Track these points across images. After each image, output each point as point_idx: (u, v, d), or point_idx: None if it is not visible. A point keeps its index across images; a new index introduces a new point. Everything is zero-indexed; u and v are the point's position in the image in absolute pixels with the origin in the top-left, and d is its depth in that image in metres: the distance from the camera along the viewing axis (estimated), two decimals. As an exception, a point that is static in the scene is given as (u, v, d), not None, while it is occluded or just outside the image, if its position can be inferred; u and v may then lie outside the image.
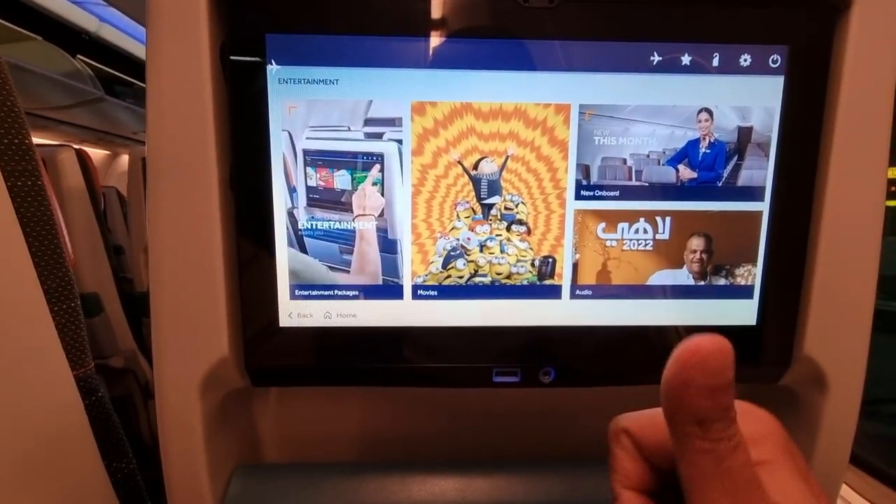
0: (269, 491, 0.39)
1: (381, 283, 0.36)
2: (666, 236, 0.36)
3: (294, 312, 0.36)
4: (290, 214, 0.35)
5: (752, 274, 0.37)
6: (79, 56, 2.84)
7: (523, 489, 0.40)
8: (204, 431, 0.36)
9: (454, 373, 0.37)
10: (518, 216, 0.35)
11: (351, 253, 0.35)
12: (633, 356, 0.37)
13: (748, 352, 0.37)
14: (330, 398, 0.44)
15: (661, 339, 0.37)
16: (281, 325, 0.35)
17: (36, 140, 0.46)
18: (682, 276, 0.37)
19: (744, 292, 0.37)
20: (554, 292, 0.36)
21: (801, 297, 0.37)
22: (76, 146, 1.47)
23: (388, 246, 0.35)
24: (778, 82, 0.34)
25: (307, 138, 0.34)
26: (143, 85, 0.33)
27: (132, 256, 1.62)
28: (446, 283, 0.36)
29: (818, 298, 0.36)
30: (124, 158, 4.75)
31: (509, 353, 0.37)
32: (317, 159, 0.34)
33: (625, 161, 0.35)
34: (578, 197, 0.35)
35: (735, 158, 0.35)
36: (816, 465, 0.39)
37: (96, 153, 4.38)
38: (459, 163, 0.35)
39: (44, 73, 2.55)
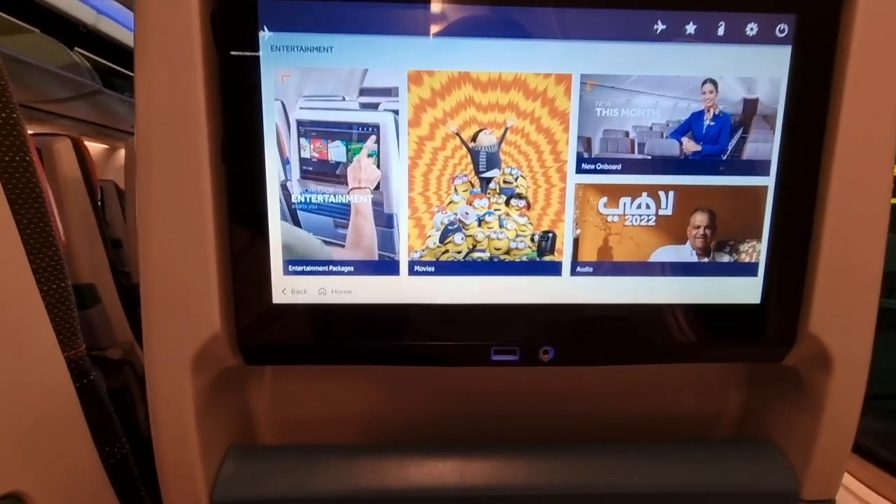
0: (263, 472, 0.38)
1: (376, 258, 0.35)
2: (669, 211, 0.35)
3: (288, 288, 0.35)
4: (284, 187, 0.34)
5: (757, 251, 0.36)
6: (76, 48, 2.82)
7: (522, 471, 0.39)
8: (196, 411, 0.36)
9: (452, 351, 0.36)
10: (517, 190, 0.35)
11: (346, 227, 0.34)
12: (635, 335, 0.36)
13: (752, 330, 0.36)
14: (325, 379, 0.44)
15: (663, 318, 0.36)
16: (274, 301, 0.35)
17: (32, 132, 0.45)
18: (686, 253, 0.36)
19: (748, 269, 0.36)
20: (554, 269, 0.35)
21: (806, 275, 0.36)
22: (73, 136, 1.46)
23: (384, 220, 0.34)
24: (785, 52, 0.33)
25: (301, 108, 0.33)
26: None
27: (130, 249, 1.61)
28: (443, 258, 0.35)
29: (824, 276, 0.35)
30: (123, 153, 4.73)
31: (508, 332, 0.36)
32: (311, 130, 0.33)
33: (627, 133, 0.34)
34: (579, 170, 0.34)
35: (740, 131, 0.35)
36: (821, 446, 0.39)
37: (95, 147, 4.36)
38: (457, 134, 0.34)
39: (41, 66, 2.54)
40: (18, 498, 0.40)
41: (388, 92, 0.33)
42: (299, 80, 0.33)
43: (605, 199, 0.35)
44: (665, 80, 0.34)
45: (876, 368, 0.38)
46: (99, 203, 1.62)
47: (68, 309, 0.46)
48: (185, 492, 0.37)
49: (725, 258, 0.36)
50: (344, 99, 0.33)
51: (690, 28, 0.33)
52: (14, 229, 0.42)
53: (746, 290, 0.36)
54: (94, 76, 2.98)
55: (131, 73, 0.32)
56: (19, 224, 0.42)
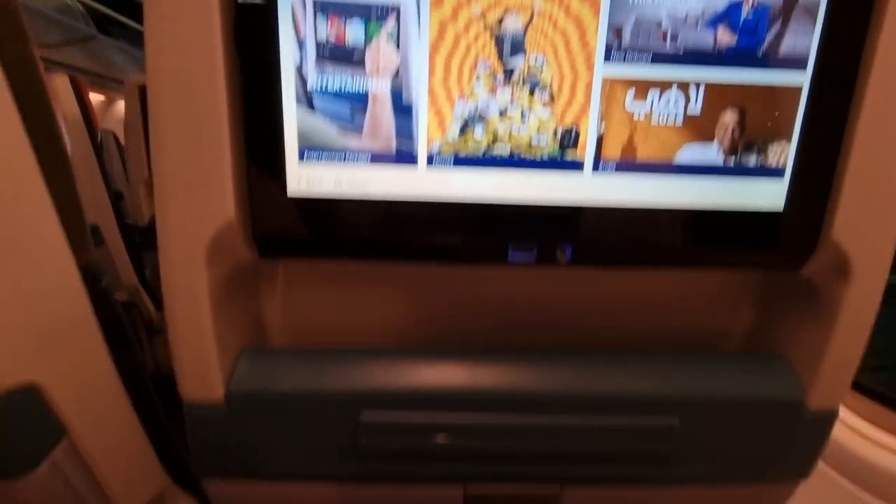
0: (278, 369, 0.39)
1: (394, 149, 0.34)
2: (697, 109, 0.34)
3: (303, 178, 0.34)
4: (299, 71, 0.32)
5: (785, 153, 0.35)
6: (69, -10, 2.71)
7: (531, 375, 0.39)
8: (211, 304, 0.36)
9: (468, 248, 0.35)
10: (542, 80, 0.33)
11: (363, 114, 0.33)
12: (654, 237, 0.36)
13: (773, 237, 0.36)
14: (337, 287, 0.44)
15: (684, 221, 0.36)
16: (289, 191, 0.34)
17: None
18: (712, 154, 0.35)
19: (774, 173, 0.35)
20: (576, 166, 0.34)
21: (833, 180, 0.35)
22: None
23: (402, 108, 0.33)
24: (833, -66, 0.31)
25: (318, -18, 0.31)
26: (138, 27, 0.30)
27: (132, 194, 1.59)
28: (463, 152, 0.34)
29: (852, 182, 0.35)
30: (121, 104, 4.63)
31: (525, 230, 0.35)
32: (328, 5, 0.32)
33: (660, 23, 0.33)
34: (608, 60, 0.33)
35: (779, 23, 0.33)
36: (831, 357, 0.39)
37: (91, 98, 4.25)
38: (482, 17, 0.32)
39: (34, 7, 2.44)
40: (35, 388, 0.41)
41: (411, -34, 0.31)
42: (316, -51, 0.31)
43: (632, 93, 0.33)
44: (704, -37, 0.32)
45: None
46: (99, 144, 1.59)
47: (77, 213, 0.46)
48: (201, 385, 0.38)
49: (752, 160, 0.35)
50: (363, -27, 0.31)
51: None
52: (20, 128, 0.40)
53: (771, 195, 0.35)
54: (88, 21, 2.88)
55: (128, 21, 0.30)
56: (25, 120, 0.41)
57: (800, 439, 0.42)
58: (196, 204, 0.33)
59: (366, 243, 0.35)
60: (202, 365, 0.37)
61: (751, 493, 0.46)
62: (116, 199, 1.84)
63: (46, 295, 0.43)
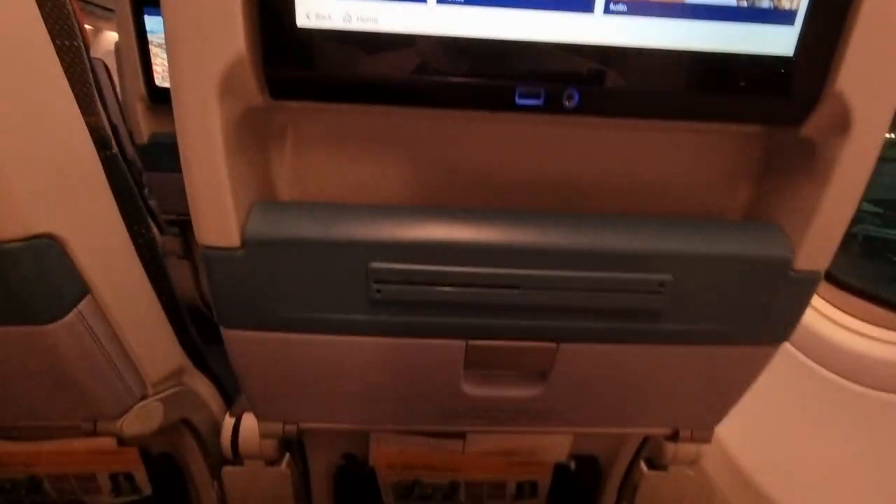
0: (292, 218, 0.40)
1: (404, -19, 0.33)
2: (714, -55, 0.33)
3: (311, 12, 0.34)
4: None
5: (799, -4, 0.34)
6: None
7: (534, 231, 0.41)
8: (225, 147, 0.36)
9: (476, 91, 0.36)
10: None
11: (373, -60, 0.32)
12: (661, 84, 0.36)
13: (780, 84, 0.36)
14: (346, 146, 0.44)
15: (692, 67, 0.36)
16: (298, 24, 0.34)
17: None
18: (725, -5, 0.34)
19: (786, 17, 0.35)
20: (587, 5, 0.34)
21: (843, 28, 0.35)
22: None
23: (413, -64, 0.32)
24: None
25: None
26: None
27: (129, 112, 1.57)
28: (474, -13, 0.34)
29: (861, 30, 0.34)
30: (108, 36, 4.43)
31: (533, 73, 0.36)
32: None
33: None
34: None
35: None
36: (821, 218, 0.41)
37: (77, 27, 4.05)
38: None
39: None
40: (54, 239, 0.43)
41: None
42: None
43: (649, -76, 0.33)
44: None
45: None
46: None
47: (85, 77, 0.46)
48: (217, 230, 0.39)
49: (765, 3, 0.35)
50: None
51: None
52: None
53: (781, 40, 0.35)
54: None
55: None
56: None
57: (785, 299, 0.44)
58: (206, 39, 0.33)
59: (375, 85, 0.36)
60: (218, 208, 0.38)
61: (732, 356, 0.49)
62: (113, 131, 1.81)
63: (59, 151, 0.44)
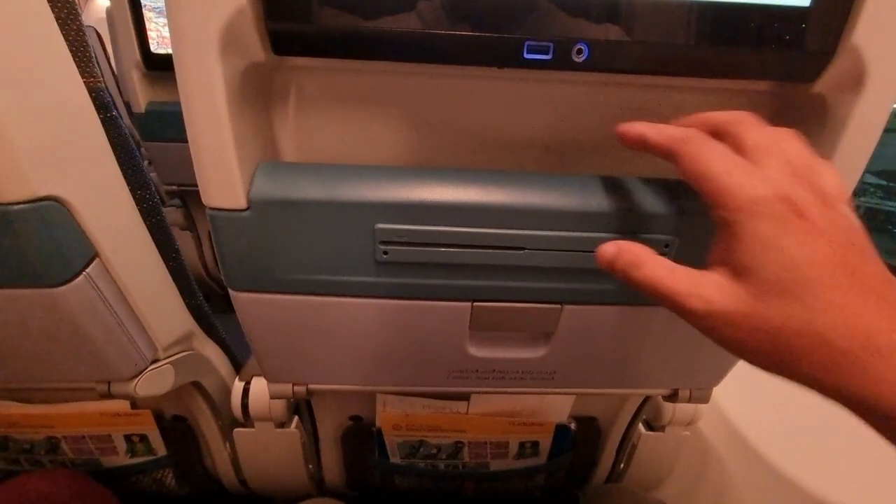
0: (297, 178, 0.40)
1: (409, -72, 0.32)
2: None
3: (314, -38, 0.33)
4: None
5: (819, -57, 0.33)
6: None
7: (539, 192, 0.41)
8: (228, 104, 0.36)
9: (485, 45, 0.35)
10: None
11: None
12: (672, 39, 0.35)
13: (795, 39, 0.35)
14: (349, 110, 0.44)
15: (706, 19, 0.35)
16: (300, -22, 0.33)
17: None
18: (742, -58, 0.33)
19: (804, -35, 0.34)
20: (598, -46, 0.33)
21: None
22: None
23: None
24: None
25: None
26: None
27: (124, 81, 1.53)
28: (481, -66, 0.32)
29: None
30: (98, 4, 4.28)
31: (542, 26, 0.35)
32: None
33: None
34: None
35: None
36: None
37: (66, -7, 3.92)
38: None
39: None
40: (60, 202, 0.43)
41: None
42: None
43: None
44: None
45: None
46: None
47: (80, 32, 0.45)
48: (223, 191, 0.39)
49: (783, -50, 0.33)
50: None
51: None
52: None
53: (798, -11, 0.34)
54: None
55: None
56: None
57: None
58: None
59: (381, 39, 0.35)
60: (223, 169, 0.38)
61: None
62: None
63: (60, 113, 0.44)
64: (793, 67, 0.37)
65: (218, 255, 0.43)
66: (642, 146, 0.35)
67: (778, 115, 0.45)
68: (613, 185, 0.42)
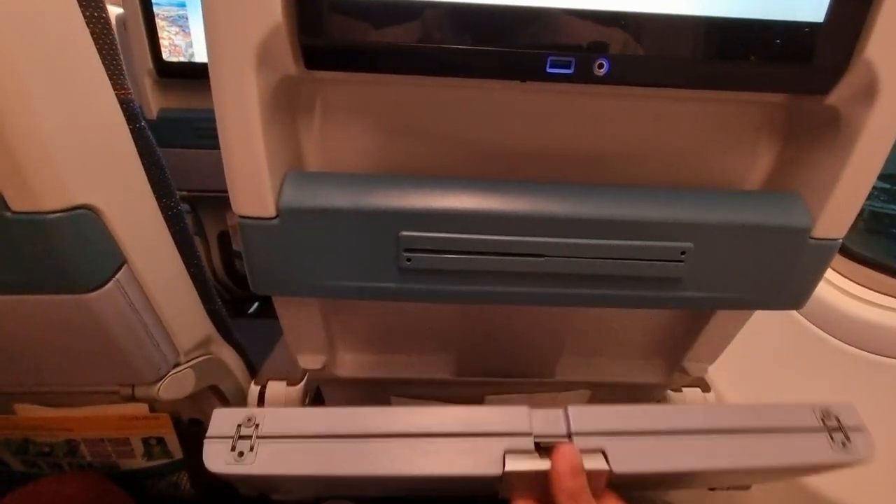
0: (326, 187, 0.41)
1: (438, -51, 0.33)
2: None
3: (346, -19, 0.34)
4: None
5: (832, -39, 0.34)
6: None
7: (558, 201, 0.42)
8: (262, 117, 0.37)
9: (510, 60, 0.36)
10: None
11: None
12: (691, 52, 0.37)
13: (809, 52, 0.36)
14: (374, 121, 0.45)
15: (723, 34, 0.36)
16: (333, -6, 0.34)
17: None
18: (757, -39, 0.34)
19: (818, -17, 0.35)
20: (619, -27, 0.34)
21: None
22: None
23: None
24: None
25: None
26: None
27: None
28: (507, -46, 0.34)
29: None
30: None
31: (564, 41, 0.36)
32: None
33: None
34: None
35: None
36: (843, 186, 0.41)
37: None
38: None
39: None
40: (93, 210, 0.44)
41: None
42: None
43: None
44: None
45: None
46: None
47: (114, 52, 0.46)
48: (253, 200, 0.40)
49: (798, -32, 0.35)
50: None
51: None
52: None
53: (812, 5, 0.35)
54: None
55: None
56: None
57: (803, 266, 0.45)
58: (243, 9, 0.34)
59: (409, 53, 0.36)
60: (254, 179, 0.39)
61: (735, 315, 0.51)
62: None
63: (94, 124, 0.45)
64: (807, 81, 0.38)
65: (245, 262, 0.44)
66: None
67: (791, 126, 0.46)
68: (630, 195, 0.44)
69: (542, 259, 0.43)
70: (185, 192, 1.56)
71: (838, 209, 0.43)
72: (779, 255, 0.45)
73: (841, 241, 0.45)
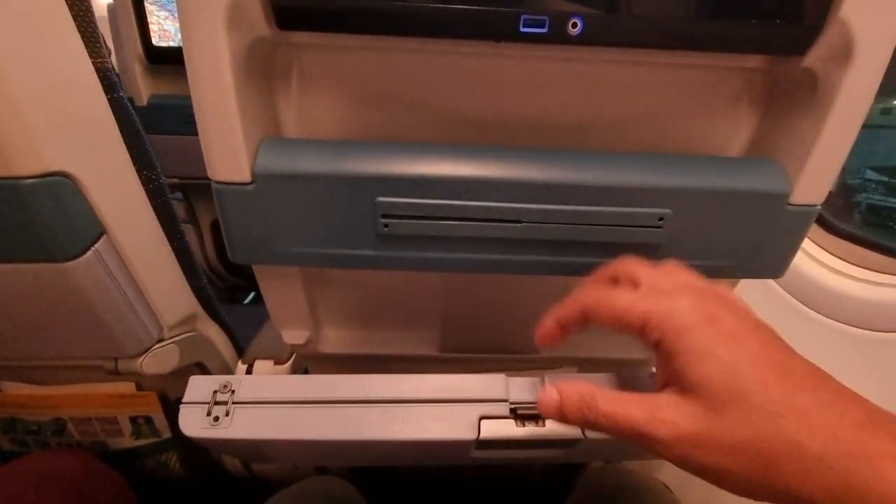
0: (302, 152, 0.41)
1: None
2: None
3: (316, -63, 0.34)
4: None
5: (806, -83, 0.34)
6: None
7: (536, 167, 0.42)
8: (234, 79, 0.37)
9: (482, 19, 0.36)
10: None
11: None
12: (668, 12, 0.36)
13: (787, 11, 0.36)
14: (349, 88, 0.45)
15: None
16: (303, -50, 0.34)
17: None
18: (731, -83, 0.34)
19: (793, -61, 0.35)
20: (592, -72, 0.34)
21: None
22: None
23: None
24: None
25: None
26: None
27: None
28: None
29: None
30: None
31: (538, 1, 0.36)
32: None
33: None
34: None
35: None
36: (819, 151, 0.41)
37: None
38: None
39: None
40: (69, 178, 0.44)
41: None
42: None
43: None
44: None
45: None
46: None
47: (88, 12, 0.46)
48: (228, 165, 0.40)
49: (772, -76, 0.34)
50: None
51: None
52: None
53: (786, -37, 0.35)
54: None
55: None
56: None
57: (781, 233, 0.45)
58: None
59: (380, 12, 0.36)
60: (228, 143, 0.39)
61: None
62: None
63: (69, 90, 0.45)
64: (783, 41, 0.38)
65: (223, 229, 0.44)
66: (561, 332, 0.37)
67: (770, 92, 0.46)
68: (608, 160, 0.43)
69: (519, 225, 0.43)
70: (176, 180, 1.56)
71: (816, 174, 0.43)
72: (757, 221, 0.45)
73: (819, 207, 0.45)
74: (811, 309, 0.77)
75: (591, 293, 0.34)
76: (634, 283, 0.33)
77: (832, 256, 0.81)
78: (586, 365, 0.73)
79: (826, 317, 0.74)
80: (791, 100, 0.44)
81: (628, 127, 0.47)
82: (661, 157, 0.44)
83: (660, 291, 0.31)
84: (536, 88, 0.45)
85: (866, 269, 0.76)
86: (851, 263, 0.77)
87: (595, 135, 0.48)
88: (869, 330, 0.73)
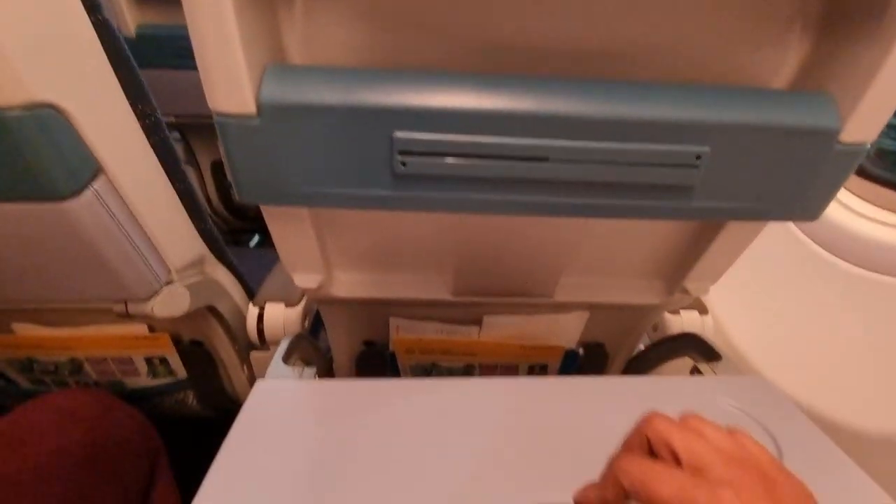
0: (308, 85, 0.38)
1: None
2: None
3: None
4: None
5: None
6: None
7: (563, 99, 0.38)
8: (234, 8, 0.33)
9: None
10: None
11: None
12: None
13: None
14: (358, 10, 0.40)
15: None
16: None
17: None
18: None
19: None
20: None
21: None
22: None
23: None
24: None
25: None
26: None
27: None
28: None
29: None
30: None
31: None
32: None
33: None
34: None
35: None
36: (876, 87, 0.37)
37: None
38: None
39: None
40: (58, 110, 0.41)
41: None
42: None
43: None
44: None
45: None
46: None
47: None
48: (231, 96, 0.37)
49: None
50: None
51: None
52: None
53: None
54: None
55: None
56: None
57: (827, 173, 0.42)
58: None
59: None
60: (230, 69, 0.35)
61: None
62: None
63: (47, 11, 0.40)
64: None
65: (227, 167, 0.41)
66: None
67: (827, 17, 0.41)
68: (642, 92, 0.40)
69: (547, 164, 0.40)
70: (172, 119, 1.49)
71: (871, 110, 0.39)
72: (801, 160, 0.41)
73: (868, 146, 0.42)
74: (832, 254, 0.75)
75: (631, 471, 0.29)
76: (675, 456, 0.28)
77: (857, 198, 0.78)
78: (597, 310, 0.73)
79: (848, 262, 0.73)
80: (850, 27, 0.39)
81: (668, 55, 0.43)
82: (701, 89, 0.41)
83: (713, 480, 0.26)
84: (570, 12, 0.41)
85: (881, 207, 0.74)
86: (879, 206, 0.74)
87: (631, 63, 0.44)
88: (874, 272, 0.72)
